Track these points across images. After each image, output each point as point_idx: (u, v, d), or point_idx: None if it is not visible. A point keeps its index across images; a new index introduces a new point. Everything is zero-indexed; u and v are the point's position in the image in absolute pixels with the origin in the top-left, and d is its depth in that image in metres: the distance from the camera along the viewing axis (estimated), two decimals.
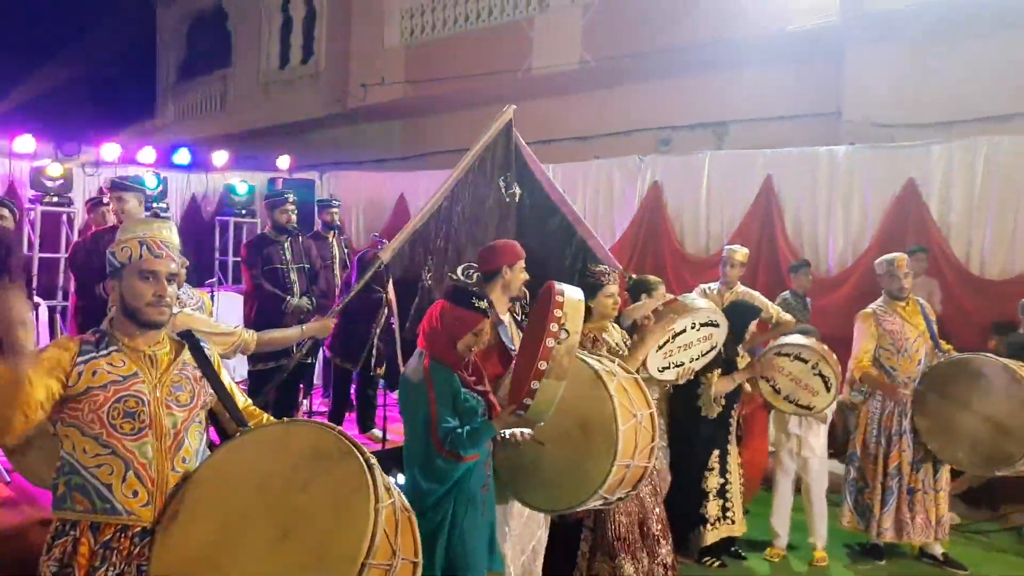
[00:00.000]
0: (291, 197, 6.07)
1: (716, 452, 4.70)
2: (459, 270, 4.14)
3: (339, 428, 2.19)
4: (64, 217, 8.45)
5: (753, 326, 4.90)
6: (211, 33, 16.06)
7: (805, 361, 4.56)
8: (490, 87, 10.01)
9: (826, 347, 4.64)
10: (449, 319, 3.00)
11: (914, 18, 7.17)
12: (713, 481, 4.70)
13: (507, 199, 4.46)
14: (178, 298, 3.38)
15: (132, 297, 2.25)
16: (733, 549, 4.84)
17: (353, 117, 12.64)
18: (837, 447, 6.51)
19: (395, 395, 6.78)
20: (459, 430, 2.91)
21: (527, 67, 10.07)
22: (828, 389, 4.50)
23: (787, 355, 4.61)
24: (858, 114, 7.74)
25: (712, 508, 4.68)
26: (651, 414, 3.25)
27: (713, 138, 9.11)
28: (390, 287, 6.28)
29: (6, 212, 5.69)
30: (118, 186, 5.30)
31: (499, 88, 9.97)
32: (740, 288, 5.87)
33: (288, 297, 5.70)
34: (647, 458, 3.21)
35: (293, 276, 5.81)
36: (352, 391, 6.41)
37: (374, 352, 5.84)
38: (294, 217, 5.99)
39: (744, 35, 8.06)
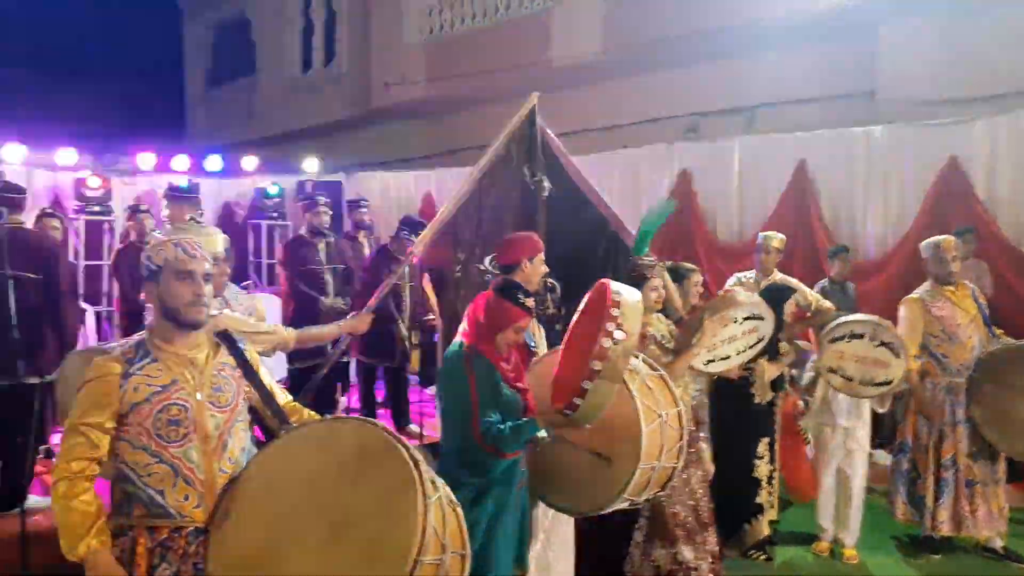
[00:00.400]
0: (323, 199, 6.13)
1: (766, 440, 4.61)
2: (487, 261, 4.08)
3: (383, 424, 2.19)
4: (106, 225, 8.80)
5: (789, 308, 4.76)
6: (236, 42, 16.20)
7: (861, 336, 4.36)
8: (512, 81, 9.92)
9: (875, 315, 4.48)
10: (494, 311, 2.93)
11: None
12: (764, 469, 4.62)
13: (532, 187, 4.38)
14: (226, 301, 3.45)
15: (171, 298, 2.28)
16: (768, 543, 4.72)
17: (377, 117, 12.66)
18: (884, 437, 6.36)
19: (429, 391, 6.84)
20: (501, 425, 2.84)
21: (548, 59, 9.98)
22: (897, 354, 4.29)
23: (840, 338, 4.42)
24: (894, 92, 7.51)
25: (765, 496, 4.61)
26: (678, 412, 3.15)
27: (743, 123, 8.93)
28: (426, 282, 6.31)
29: (57, 222, 5.96)
30: (175, 196, 5.54)
31: (521, 81, 9.82)
32: (777, 276, 5.73)
33: (322, 298, 5.76)
34: (675, 458, 3.12)
35: (327, 277, 5.90)
36: (382, 388, 6.44)
37: (407, 347, 5.89)
38: (327, 218, 6.06)
39: (771, 16, 7.87)
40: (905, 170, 7.03)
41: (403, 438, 2.14)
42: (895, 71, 7.58)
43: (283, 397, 2.55)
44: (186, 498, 2.21)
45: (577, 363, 2.75)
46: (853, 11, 7.52)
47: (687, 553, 3.73)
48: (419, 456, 2.09)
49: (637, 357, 3.25)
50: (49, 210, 6.37)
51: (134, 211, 6.79)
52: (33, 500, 4.63)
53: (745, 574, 4.43)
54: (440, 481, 2.20)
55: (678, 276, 4.35)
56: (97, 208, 8.63)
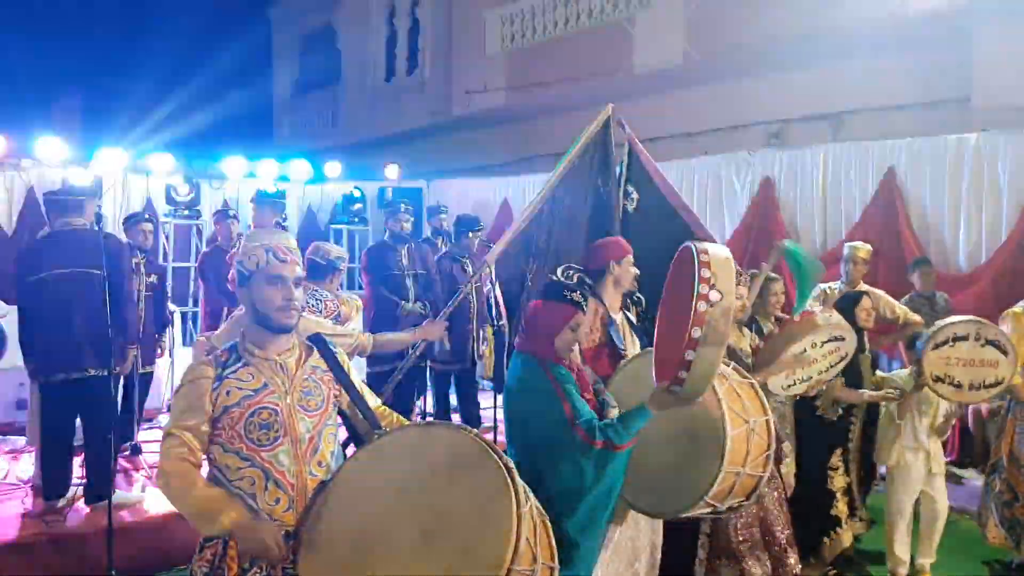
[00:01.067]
0: (404, 206, 6.27)
1: (839, 450, 4.50)
2: (559, 271, 4.11)
3: (475, 431, 2.19)
4: (194, 229, 9.09)
5: (861, 312, 4.60)
6: (322, 50, 16.70)
7: (965, 338, 4.16)
8: (592, 88, 9.93)
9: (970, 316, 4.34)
10: (544, 316, 2.94)
11: None
12: (840, 480, 4.51)
13: (604, 198, 4.39)
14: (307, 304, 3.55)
15: (262, 303, 2.30)
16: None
17: (457, 125, 12.85)
18: (974, 457, 6.11)
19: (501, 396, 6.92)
20: (606, 420, 2.79)
21: (630, 66, 9.94)
22: (1005, 352, 4.10)
23: (944, 343, 4.20)
24: (989, 98, 7.21)
25: (842, 507, 4.49)
26: (767, 421, 3.05)
27: (829, 130, 8.72)
28: (497, 289, 6.39)
29: (149, 226, 6.25)
30: (261, 201, 5.76)
31: (602, 89, 9.86)
32: (863, 287, 5.59)
33: (403, 302, 5.88)
34: (762, 467, 3.02)
35: (408, 282, 6.02)
36: (452, 394, 6.54)
37: (478, 353, 5.96)
38: (408, 225, 6.19)
39: (858, 21, 7.67)
40: (1000, 178, 6.74)
41: (496, 446, 2.12)
42: (990, 77, 7.27)
43: (374, 401, 2.55)
44: (276, 501, 2.22)
45: (676, 335, 2.61)
46: (947, 16, 7.26)
47: (756, 570, 3.65)
48: (512, 464, 2.08)
49: (727, 364, 3.18)
50: (143, 214, 6.68)
51: (222, 215, 6.99)
52: (120, 496, 4.80)
53: None
54: (529, 491, 2.16)
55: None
56: (186, 212, 8.99)
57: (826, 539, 4.48)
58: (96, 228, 4.70)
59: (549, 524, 2.18)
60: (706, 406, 2.92)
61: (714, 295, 2.48)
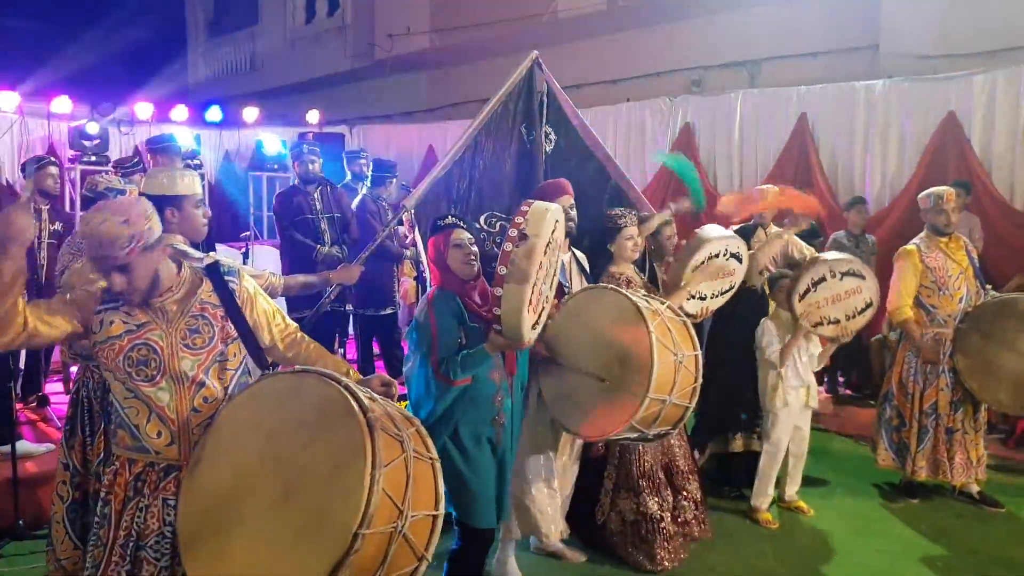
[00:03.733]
0: (307, 146, 6.13)
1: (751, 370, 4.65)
2: (482, 219, 4.14)
3: (347, 382, 2.13)
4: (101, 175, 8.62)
5: (759, 244, 4.79)
6: None
7: (823, 280, 4.32)
8: (517, 34, 9.84)
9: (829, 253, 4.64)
10: (431, 251, 3.17)
11: None
12: (748, 395, 4.70)
13: (528, 145, 4.41)
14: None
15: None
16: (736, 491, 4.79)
17: (380, 69, 12.57)
18: (871, 386, 6.47)
19: None
20: (456, 356, 2.96)
21: (554, 11, 9.88)
22: (863, 276, 4.29)
23: (806, 292, 4.36)
24: (896, 46, 7.46)
25: (744, 418, 4.74)
26: (695, 356, 3.26)
27: (746, 77, 8.89)
28: (417, 236, 6.38)
29: (55, 169, 5.91)
30: (153, 147, 5.45)
31: (526, 34, 9.78)
32: (774, 228, 5.78)
33: (319, 246, 5.78)
34: (688, 399, 3.24)
35: (324, 225, 5.89)
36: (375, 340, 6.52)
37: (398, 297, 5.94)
38: (316, 167, 6.04)
39: None
40: (904, 125, 7.04)
41: (366, 400, 2.07)
42: (897, 25, 7.51)
43: (283, 326, 2.53)
44: (159, 435, 2.23)
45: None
46: None
47: (651, 504, 3.84)
48: (376, 417, 2.02)
49: (663, 303, 3.38)
50: (48, 159, 6.34)
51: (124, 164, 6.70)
52: (25, 446, 4.67)
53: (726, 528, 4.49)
54: (415, 434, 2.16)
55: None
56: (94, 157, 8.46)
57: (720, 438, 4.75)
58: None
59: (439, 468, 2.15)
60: (636, 336, 3.13)
61: (521, 241, 2.73)
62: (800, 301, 4.38)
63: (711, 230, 4.21)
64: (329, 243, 5.86)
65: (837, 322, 4.39)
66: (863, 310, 4.36)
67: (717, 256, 4.12)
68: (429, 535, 2.08)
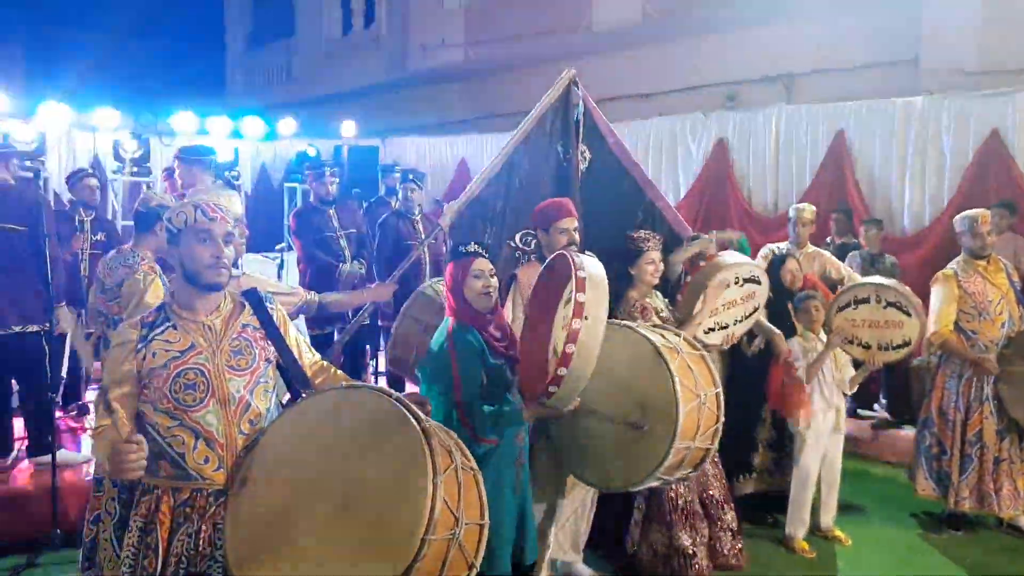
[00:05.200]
0: (329, 169, 6.18)
1: (767, 405, 4.56)
2: (517, 237, 4.12)
3: (397, 394, 2.16)
4: (144, 186, 8.86)
5: (789, 276, 4.61)
6: (275, 4, 16.27)
7: (867, 300, 4.31)
8: (551, 46, 9.88)
9: (878, 276, 4.44)
10: (449, 277, 3.04)
11: None
12: (764, 433, 4.62)
13: (565, 164, 4.41)
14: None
15: (191, 261, 2.28)
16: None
17: (414, 81, 12.68)
18: (912, 412, 6.31)
19: None
20: (484, 408, 2.84)
21: (588, 24, 9.88)
22: (908, 312, 4.22)
23: (845, 306, 4.37)
24: (937, 61, 7.33)
25: (759, 460, 4.63)
26: (717, 394, 3.10)
27: (782, 92, 8.81)
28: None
29: (94, 181, 6.05)
30: (186, 158, 5.52)
31: (560, 47, 9.84)
32: (810, 248, 5.72)
33: (340, 264, 5.83)
34: (710, 440, 3.07)
35: (343, 243, 5.93)
36: None
37: None
38: (334, 188, 6.10)
39: None
40: (945, 143, 6.89)
41: (417, 410, 2.11)
42: (939, 39, 7.38)
43: (311, 357, 2.54)
44: (206, 460, 2.23)
45: (543, 348, 2.77)
46: None
47: (684, 539, 3.74)
48: (431, 426, 2.07)
49: (678, 335, 3.23)
50: (88, 170, 6.46)
51: (171, 173, 6.85)
52: (65, 455, 4.70)
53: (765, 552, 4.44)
54: (459, 446, 2.18)
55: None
56: (135, 169, 8.74)
57: (733, 483, 4.60)
58: (12, 183, 4.50)
59: (481, 478, 2.18)
60: (657, 380, 2.97)
61: (585, 318, 2.57)
62: (838, 313, 4.31)
63: (724, 258, 4.09)
64: (349, 259, 5.91)
65: (868, 347, 4.32)
66: (898, 347, 4.27)
67: (730, 285, 3.98)
68: (477, 544, 2.11)
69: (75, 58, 15.60)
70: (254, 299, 2.44)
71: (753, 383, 4.52)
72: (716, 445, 3.11)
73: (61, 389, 5.65)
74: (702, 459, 3.12)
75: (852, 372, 4.45)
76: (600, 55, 9.65)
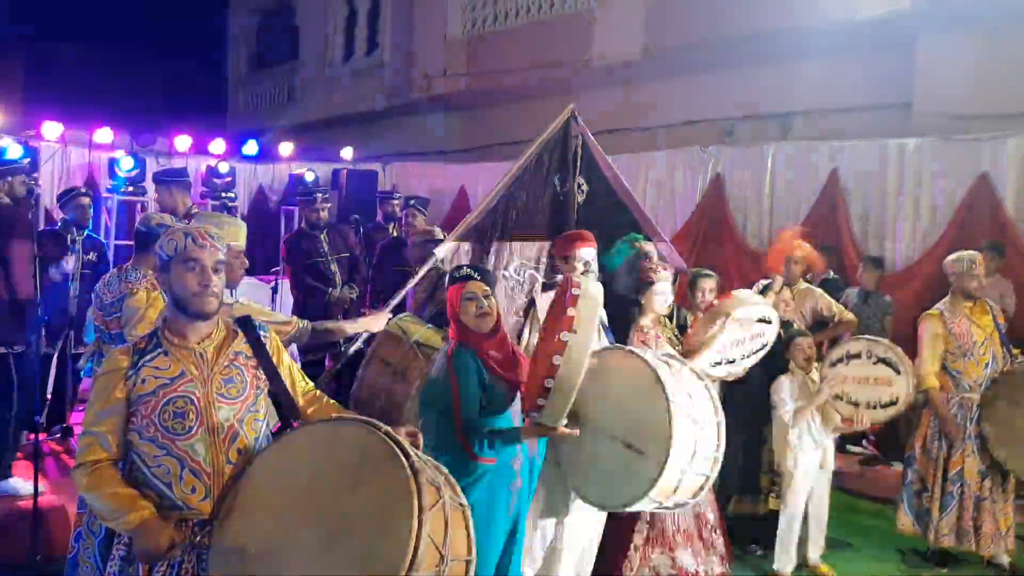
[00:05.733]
0: (320, 196, 6.22)
1: (768, 426, 4.60)
2: (511, 268, 4.17)
3: (386, 428, 2.15)
4: (138, 206, 8.79)
5: (800, 354, 4.70)
6: (279, 27, 16.45)
7: (858, 356, 4.37)
8: (552, 78, 10.01)
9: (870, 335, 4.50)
10: (448, 302, 3.14)
11: (989, 3, 6.88)
12: (768, 455, 4.66)
13: (561, 197, 4.47)
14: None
15: (179, 288, 2.27)
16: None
17: (416, 108, 12.79)
18: (899, 449, 6.34)
19: None
20: (484, 428, 2.92)
21: (589, 57, 10.02)
22: (897, 370, 4.27)
23: (837, 361, 4.43)
24: (930, 105, 7.46)
25: (765, 481, 4.69)
26: (717, 423, 3.17)
27: (778, 129, 8.93)
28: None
29: (86, 200, 6.03)
30: (164, 180, 5.51)
31: (560, 79, 9.96)
32: (803, 285, 5.77)
33: (330, 289, 5.84)
34: (708, 467, 3.13)
35: (333, 267, 5.95)
36: None
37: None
38: (325, 214, 6.14)
39: (811, 24, 7.84)
40: (936, 184, 7.00)
41: (405, 444, 2.11)
42: (931, 84, 7.52)
43: (304, 385, 2.53)
44: (193, 490, 2.21)
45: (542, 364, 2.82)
46: (893, 23, 7.47)
47: (687, 560, 3.77)
48: (419, 463, 2.06)
49: (684, 364, 3.31)
50: (80, 189, 6.41)
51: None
52: (16, 483, 4.60)
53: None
54: (448, 481, 2.18)
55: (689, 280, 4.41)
56: (130, 188, 8.66)
57: (744, 501, 4.65)
58: (6, 201, 4.48)
59: (469, 515, 2.18)
60: (655, 404, 3.03)
61: (574, 331, 2.72)
62: (830, 368, 4.36)
63: (738, 296, 4.13)
64: (340, 285, 5.92)
65: (856, 405, 4.35)
66: (885, 405, 4.30)
67: (740, 323, 4.02)
68: None
69: (73, 76, 15.68)
70: (247, 327, 2.43)
71: (755, 405, 4.56)
72: (715, 473, 3.16)
73: (45, 411, 5.61)
74: (700, 488, 3.17)
75: (838, 419, 4.46)
76: (600, 89, 9.77)
